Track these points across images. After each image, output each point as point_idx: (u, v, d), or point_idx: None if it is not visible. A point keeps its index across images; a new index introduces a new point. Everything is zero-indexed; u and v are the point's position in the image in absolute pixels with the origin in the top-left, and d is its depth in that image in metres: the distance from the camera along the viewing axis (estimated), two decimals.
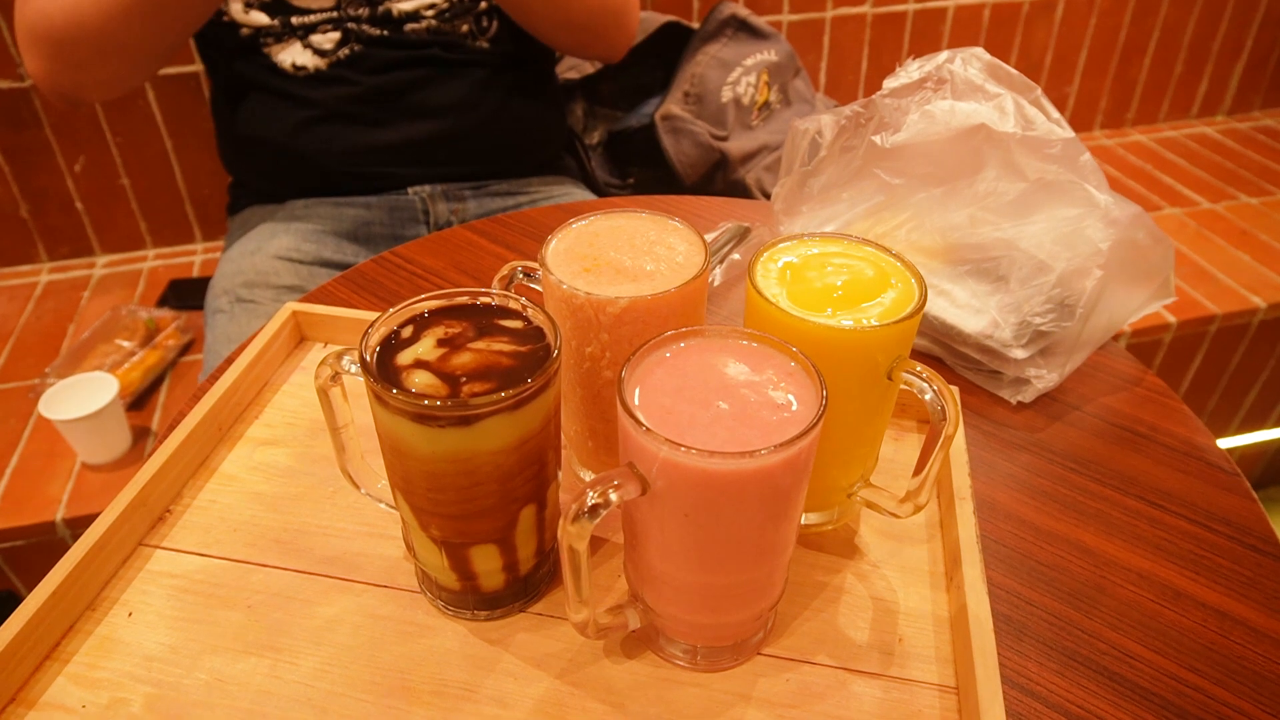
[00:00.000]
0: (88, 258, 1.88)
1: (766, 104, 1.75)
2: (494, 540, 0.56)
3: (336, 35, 1.19)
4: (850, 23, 2.01)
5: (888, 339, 0.55)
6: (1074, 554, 0.67)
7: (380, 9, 1.18)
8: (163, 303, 1.75)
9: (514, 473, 0.53)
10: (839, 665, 0.58)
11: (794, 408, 0.49)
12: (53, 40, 1.01)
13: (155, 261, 1.90)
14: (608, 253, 0.61)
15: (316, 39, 1.18)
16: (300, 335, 0.85)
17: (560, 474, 0.59)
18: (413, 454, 0.51)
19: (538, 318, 0.55)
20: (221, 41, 1.21)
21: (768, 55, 1.75)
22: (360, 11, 1.18)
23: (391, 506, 0.62)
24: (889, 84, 0.88)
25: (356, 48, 1.20)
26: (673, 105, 1.68)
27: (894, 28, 2.05)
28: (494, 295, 0.56)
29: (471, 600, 0.60)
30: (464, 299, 0.56)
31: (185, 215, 1.90)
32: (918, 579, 0.64)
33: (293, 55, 1.19)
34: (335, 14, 1.17)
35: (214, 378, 0.77)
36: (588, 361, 0.60)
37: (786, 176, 0.96)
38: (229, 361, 0.81)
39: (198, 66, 1.74)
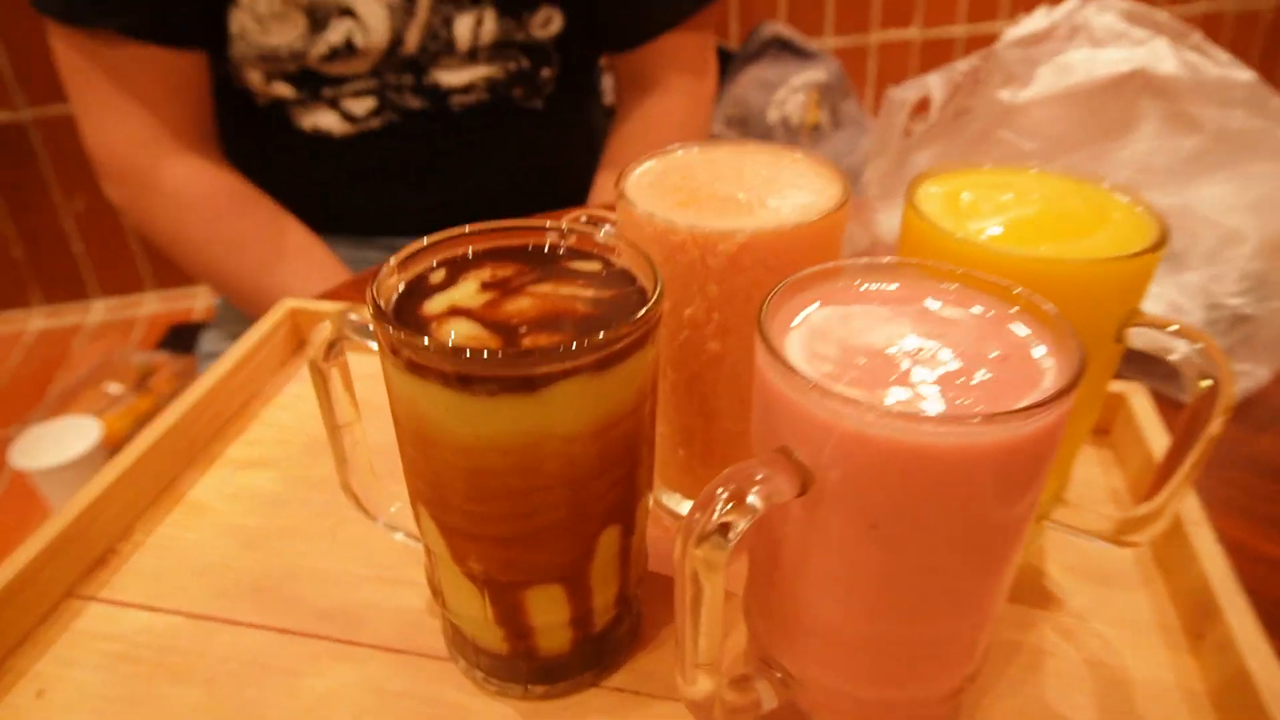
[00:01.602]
0: (83, 301, 1.75)
1: (816, 126, 1.61)
2: (559, 579, 0.38)
3: (371, 103, 0.98)
4: (897, 48, 1.89)
5: (1125, 278, 0.39)
6: None
7: (426, 80, 0.98)
8: (162, 348, 1.61)
9: (593, 473, 0.36)
10: None
11: (1041, 364, 0.32)
12: (134, 230, 1.06)
13: (156, 306, 1.76)
14: (711, 184, 0.45)
15: (348, 104, 0.98)
16: (299, 338, 0.69)
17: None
18: (448, 442, 0.34)
19: (625, 256, 0.39)
20: (232, 104, 0.99)
21: (816, 74, 1.62)
22: (403, 80, 0.97)
23: (413, 537, 0.45)
24: (1012, 33, 0.73)
25: (393, 117, 0.99)
26: (716, 129, 1.55)
27: (943, 53, 1.93)
28: (561, 227, 0.40)
29: (524, 670, 0.42)
30: (518, 234, 0.40)
31: None
32: (1144, 636, 0.45)
33: (315, 119, 0.98)
34: (374, 82, 0.97)
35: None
36: (686, 329, 0.43)
37: (880, 157, 0.81)
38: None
39: None
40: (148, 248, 1.75)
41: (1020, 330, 0.34)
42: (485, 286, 0.37)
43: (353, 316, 0.39)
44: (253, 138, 1.02)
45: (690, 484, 0.50)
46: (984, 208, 0.43)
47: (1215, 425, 0.38)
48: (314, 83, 0.95)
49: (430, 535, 0.39)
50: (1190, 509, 0.48)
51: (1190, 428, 0.39)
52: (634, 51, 1.06)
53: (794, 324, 0.34)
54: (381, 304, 0.35)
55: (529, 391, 0.32)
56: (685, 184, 0.45)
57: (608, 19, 1.03)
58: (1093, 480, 0.56)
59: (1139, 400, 0.57)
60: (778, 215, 0.42)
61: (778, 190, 0.44)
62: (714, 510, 0.30)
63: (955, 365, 0.32)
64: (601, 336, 0.32)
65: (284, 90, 0.96)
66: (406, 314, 0.36)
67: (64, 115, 1.59)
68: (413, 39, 0.93)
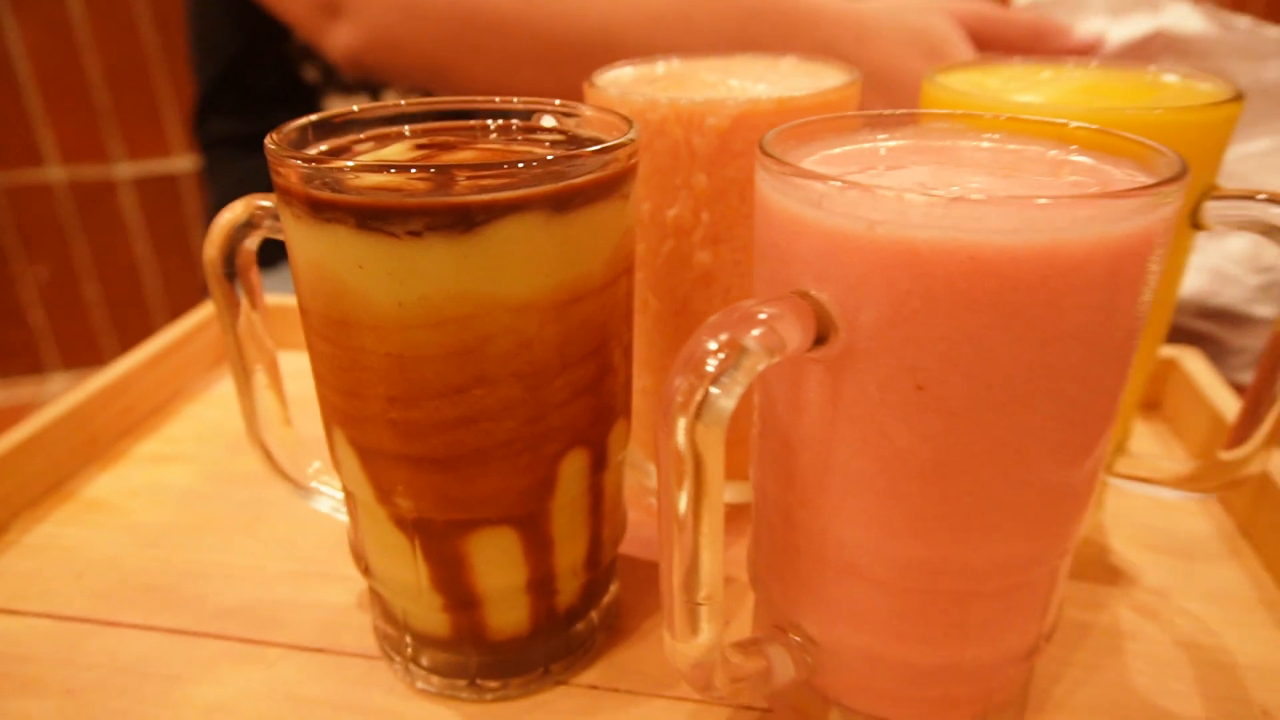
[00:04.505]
0: (39, 375, 1.66)
1: None
2: (511, 519, 0.30)
3: None
4: None
5: (1201, 135, 0.32)
6: None
7: None
8: None
9: (553, 367, 0.28)
10: None
11: (1126, 179, 0.25)
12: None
13: None
14: (698, 74, 0.39)
15: None
16: None
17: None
18: (364, 319, 0.26)
19: (593, 121, 0.32)
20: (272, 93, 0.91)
21: None
22: None
23: (336, 505, 0.36)
24: (1019, 4, 0.70)
25: None
26: None
27: None
28: (512, 100, 0.33)
29: (472, 661, 0.33)
30: (465, 104, 0.33)
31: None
32: (1244, 614, 0.37)
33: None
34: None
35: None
36: (670, 237, 0.36)
37: None
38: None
39: (177, 167, 1.59)
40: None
41: (1095, 160, 0.27)
42: (420, 147, 0.30)
43: (264, 203, 0.32)
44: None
45: None
46: (1016, 86, 0.37)
47: None
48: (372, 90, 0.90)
49: (349, 471, 0.30)
50: None
51: None
52: None
53: (807, 156, 0.27)
54: (283, 141, 0.28)
55: (465, 231, 0.25)
56: (666, 75, 0.39)
57: None
58: (1151, 456, 0.48)
59: (1194, 363, 0.49)
60: (778, 89, 0.35)
61: (775, 79, 0.38)
62: (703, 366, 0.22)
63: (1021, 179, 0.25)
64: (556, 157, 0.25)
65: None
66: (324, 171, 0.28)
67: (29, 183, 1.55)
68: None
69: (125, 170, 1.57)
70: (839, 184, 0.23)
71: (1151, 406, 0.51)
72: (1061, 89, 0.36)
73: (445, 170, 0.25)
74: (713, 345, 0.22)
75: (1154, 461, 0.38)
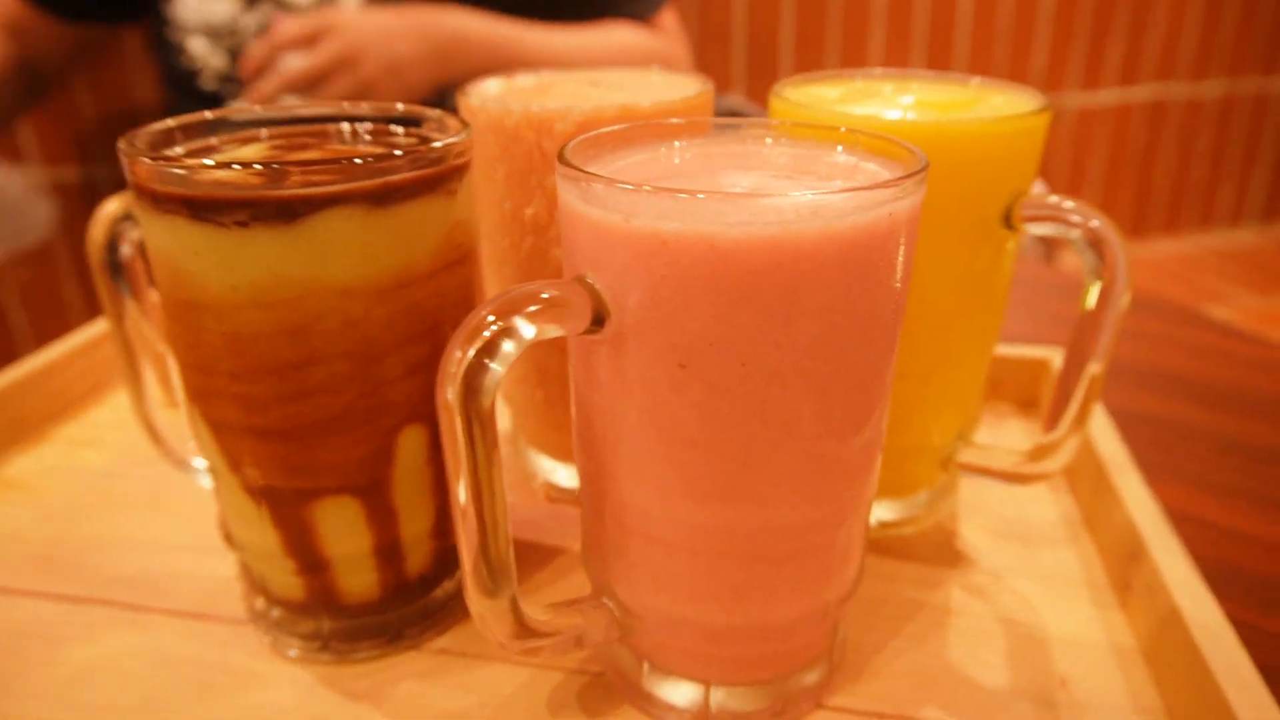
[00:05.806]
0: None
1: None
2: (351, 488, 0.32)
3: None
4: None
5: (1009, 145, 0.35)
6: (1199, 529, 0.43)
7: None
8: None
9: (383, 347, 0.30)
10: None
11: (879, 175, 0.28)
12: None
13: None
14: (562, 84, 0.41)
15: None
16: None
17: None
18: (205, 301, 0.29)
19: (448, 126, 0.34)
20: (178, 90, 1.03)
21: None
22: None
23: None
24: None
25: None
26: None
27: None
28: (363, 106, 0.36)
29: (327, 625, 0.35)
30: (325, 109, 0.36)
31: None
32: (1068, 593, 0.39)
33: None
34: None
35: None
36: (529, 234, 0.39)
37: None
38: None
39: None
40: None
41: (855, 158, 0.29)
42: (274, 148, 0.33)
43: None
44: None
45: (553, 436, 0.44)
46: (855, 99, 0.40)
47: (1123, 302, 0.33)
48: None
49: (205, 443, 0.33)
50: (1115, 454, 0.43)
51: (1090, 323, 0.34)
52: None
53: (606, 165, 0.30)
54: (139, 141, 0.31)
55: (288, 222, 0.27)
56: (535, 86, 0.41)
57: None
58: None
59: None
60: (632, 98, 0.38)
61: (635, 90, 0.41)
62: (477, 337, 0.25)
63: (779, 176, 0.28)
64: (373, 162, 0.28)
65: (221, 63, 1.02)
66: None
67: None
68: None
69: (104, 172, 1.60)
70: (594, 176, 0.25)
71: (1030, 405, 0.54)
72: (894, 102, 0.39)
73: (270, 167, 0.27)
74: (490, 319, 0.25)
75: (991, 452, 0.40)
